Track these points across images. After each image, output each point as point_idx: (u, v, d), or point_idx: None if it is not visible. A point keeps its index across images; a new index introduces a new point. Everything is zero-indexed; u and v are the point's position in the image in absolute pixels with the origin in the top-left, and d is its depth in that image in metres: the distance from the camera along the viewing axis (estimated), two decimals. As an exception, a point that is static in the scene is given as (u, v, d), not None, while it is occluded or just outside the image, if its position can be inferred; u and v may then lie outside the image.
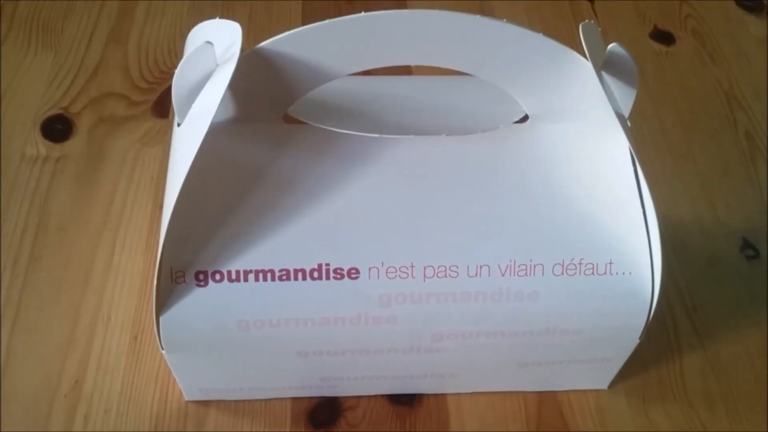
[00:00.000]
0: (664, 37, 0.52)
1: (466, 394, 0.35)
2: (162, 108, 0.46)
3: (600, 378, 0.35)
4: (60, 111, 0.45)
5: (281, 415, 0.34)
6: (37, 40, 0.49)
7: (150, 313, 0.37)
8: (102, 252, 0.39)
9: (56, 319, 0.37)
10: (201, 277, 0.27)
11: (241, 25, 0.27)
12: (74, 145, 0.44)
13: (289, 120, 0.29)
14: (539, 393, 0.35)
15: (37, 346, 0.36)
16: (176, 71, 0.26)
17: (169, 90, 0.46)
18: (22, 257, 0.39)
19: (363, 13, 0.25)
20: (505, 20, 0.26)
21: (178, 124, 0.28)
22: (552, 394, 0.35)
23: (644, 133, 0.46)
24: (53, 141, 0.44)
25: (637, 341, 0.31)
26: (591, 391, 0.36)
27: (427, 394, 0.35)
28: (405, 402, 0.35)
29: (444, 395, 0.35)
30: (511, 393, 0.35)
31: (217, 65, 0.27)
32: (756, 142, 0.46)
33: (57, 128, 0.44)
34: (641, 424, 0.35)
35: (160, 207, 0.41)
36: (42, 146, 0.43)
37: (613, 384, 0.36)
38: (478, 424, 0.34)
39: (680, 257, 0.41)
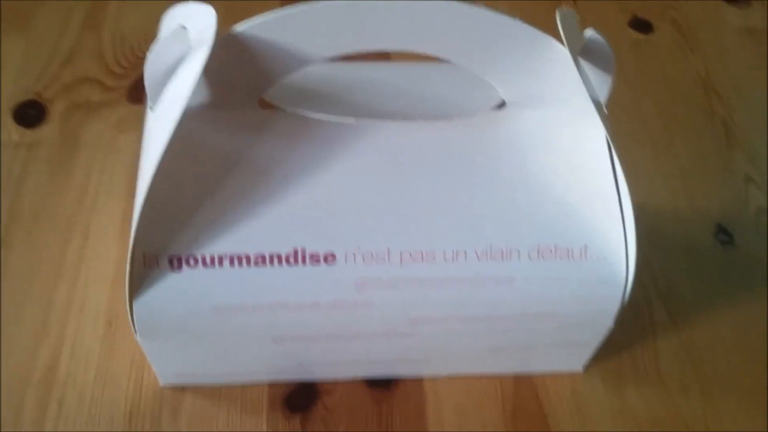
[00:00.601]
0: (642, 25, 0.52)
1: (442, 377, 0.35)
2: (137, 94, 0.45)
3: (575, 360, 0.35)
4: (33, 97, 0.44)
5: (258, 400, 0.34)
6: (9, 25, 0.48)
7: (124, 300, 0.36)
8: (75, 239, 0.39)
9: (29, 306, 0.36)
10: (175, 262, 0.27)
11: (217, 8, 0.27)
12: (47, 131, 0.43)
13: (265, 105, 0.29)
14: (515, 377, 0.36)
15: (9, 333, 0.35)
16: (149, 55, 0.26)
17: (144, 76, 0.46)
18: (-6, 244, 0.38)
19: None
20: (482, 6, 0.26)
21: (151, 109, 0.28)
22: (528, 378, 0.36)
23: (622, 121, 0.47)
24: (26, 127, 0.43)
25: (611, 325, 0.31)
26: (567, 374, 0.36)
27: (404, 378, 0.35)
28: (382, 386, 0.35)
29: (420, 379, 0.35)
30: (487, 376, 0.35)
31: (191, 49, 0.26)
32: (732, 132, 0.47)
33: (30, 114, 0.44)
34: (616, 407, 0.35)
35: (134, 194, 0.40)
36: (14, 132, 0.43)
37: (588, 368, 0.36)
38: (454, 407, 0.35)
39: (655, 243, 0.41)
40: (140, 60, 0.47)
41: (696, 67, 0.50)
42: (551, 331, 0.31)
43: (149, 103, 0.28)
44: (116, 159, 0.42)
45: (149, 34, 0.48)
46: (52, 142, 0.43)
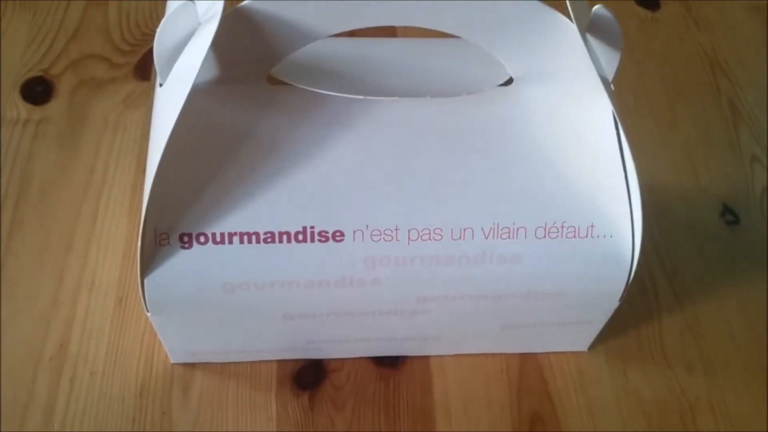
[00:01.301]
0: (649, 2, 0.52)
1: (448, 356, 0.36)
2: (144, 70, 0.45)
3: (580, 340, 0.35)
4: (40, 73, 0.44)
5: (267, 377, 0.34)
6: (14, 1, 0.48)
7: (134, 277, 0.37)
8: (85, 216, 0.39)
9: (40, 284, 0.37)
10: (185, 239, 0.27)
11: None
12: (55, 107, 0.43)
13: (273, 81, 0.29)
14: (521, 355, 0.36)
15: (21, 310, 0.36)
16: (157, 30, 0.26)
17: (150, 52, 0.45)
18: (5, 222, 0.38)
19: None
20: None
21: (161, 85, 0.28)
22: (533, 356, 0.36)
23: (628, 98, 0.46)
24: (34, 104, 0.43)
25: (617, 304, 0.31)
26: (571, 353, 0.36)
27: (411, 357, 0.36)
28: (389, 364, 0.35)
29: (427, 357, 0.36)
30: (493, 355, 0.36)
31: (199, 24, 0.26)
32: (739, 110, 0.46)
33: (37, 90, 0.44)
34: (620, 385, 0.36)
35: (144, 171, 0.40)
36: (23, 109, 0.43)
37: (593, 346, 0.36)
38: (460, 385, 0.35)
39: (661, 222, 0.41)
40: (146, 37, 0.47)
41: (702, 45, 0.50)
42: (557, 310, 0.32)
43: (158, 79, 0.28)
44: (124, 135, 0.42)
45: (154, 11, 0.48)
46: (59, 119, 0.43)
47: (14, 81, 0.44)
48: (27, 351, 0.34)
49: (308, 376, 0.35)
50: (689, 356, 0.37)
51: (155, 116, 0.29)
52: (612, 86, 0.28)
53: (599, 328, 0.34)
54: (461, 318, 0.31)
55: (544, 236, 0.28)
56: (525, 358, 0.36)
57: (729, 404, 0.35)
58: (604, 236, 0.29)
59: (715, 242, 0.41)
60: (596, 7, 0.27)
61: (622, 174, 0.29)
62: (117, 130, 0.42)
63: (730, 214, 0.42)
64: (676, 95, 0.47)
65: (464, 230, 0.28)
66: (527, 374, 0.36)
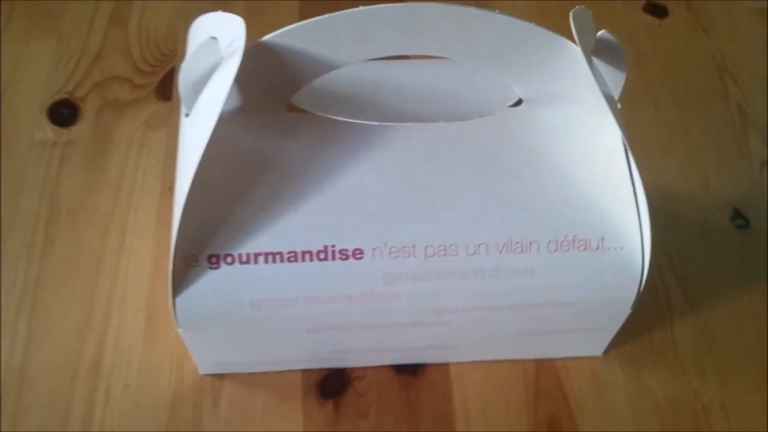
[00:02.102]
0: (657, 10, 0.53)
1: (467, 363, 0.37)
2: (165, 91, 0.47)
3: (595, 345, 0.37)
4: (65, 95, 0.46)
5: (293, 386, 0.36)
6: (38, 25, 0.49)
7: (163, 294, 0.38)
8: (113, 235, 0.40)
9: (73, 301, 0.38)
10: (213, 260, 0.29)
11: (236, 9, 0.28)
12: (81, 129, 0.45)
13: (292, 108, 0.31)
14: (537, 361, 0.37)
15: (56, 327, 0.37)
16: (182, 65, 0.28)
17: (171, 73, 0.47)
18: (37, 242, 0.40)
19: (361, 7, 0.26)
20: (497, 11, 0.27)
21: (186, 115, 0.29)
22: (549, 362, 0.37)
23: (637, 106, 0.47)
24: (60, 126, 0.45)
25: (629, 311, 0.33)
26: (587, 358, 0.37)
27: (431, 364, 0.37)
28: (409, 371, 0.37)
29: (446, 364, 0.37)
30: (510, 361, 0.37)
31: (222, 59, 0.28)
32: (748, 116, 0.47)
33: (63, 113, 0.45)
34: (635, 390, 0.37)
35: (169, 189, 0.42)
36: (50, 131, 0.44)
37: (607, 351, 0.37)
38: (479, 391, 0.36)
39: (672, 228, 0.42)
40: (166, 57, 0.48)
41: (711, 51, 0.50)
42: (571, 319, 0.33)
43: (184, 110, 0.29)
44: (148, 155, 0.44)
45: (174, 32, 0.50)
46: (86, 140, 0.44)
47: (41, 104, 0.45)
48: (63, 366, 0.36)
49: (332, 384, 0.36)
50: (702, 359, 0.38)
51: (182, 144, 0.30)
52: (619, 104, 0.29)
53: (613, 334, 0.35)
54: (478, 328, 0.33)
55: (556, 249, 0.30)
56: (541, 363, 0.37)
57: (741, 406, 0.36)
58: (615, 248, 0.30)
59: (725, 246, 0.42)
60: (601, 32, 0.28)
61: (631, 187, 0.30)
62: (141, 150, 0.44)
63: (740, 218, 0.43)
64: (684, 101, 0.48)
65: (479, 245, 0.29)
66: (544, 379, 0.37)
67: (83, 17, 0.50)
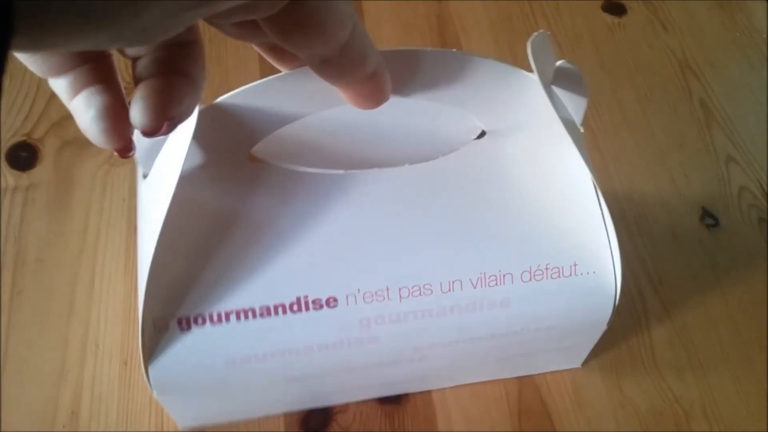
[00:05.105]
0: (615, 8, 0.53)
1: (449, 387, 0.37)
2: (125, 125, 0.46)
3: (574, 358, 0.37)
4: (23, 138, 0.45)
5: (275, 426, 0.35)
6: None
7: (137, 338, 0.38)
8: (82, 281, 0.40)
9: (45, 351, 0.37)
10: (183, 323, 0.28)
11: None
12: (41, 172, 0.44)
13: (253, 159, 0.30)
14: (519, 379, 0.37)
15: (30, 380, 0.36)
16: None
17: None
18: (5, 292, 0.39)
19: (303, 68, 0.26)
20: (454, 50, 0.26)
21: (144, 176, 0.29)
22: (531, 379, 0.37)
23: (602, 109, 0.47)
24: (20, 170, 0.44)
25: (605, 329, 0.33)
26: (567, 371, 0.38)
27: (413, 392, 0.37)
28: (392, 401, 0.36)
29: (429, 391, 0.37)
30: (492, 382, 0.37)
31: None
32: (711, 110, 0.48)
33: (22, 156, 0.44)
34: (616, 399, 0.37)
35: (134, 229, 0.41)
36: (9, 176, 0.43)
37: (586, 361, 0.38)
38: (463, 415, 0.36)
39: (644, 232, 0.42)
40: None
41: (671, 47, 0.51)
42: (549, 340, 0.33)
43: (142, 171, 0.29)
44: (112, 194, 0.43)
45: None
46: (47, 183, 0.43)
47: (-1, 148, 0.44)
48: (41, 419, 0.35)
49: (315, 421, 0.36)
50: (680, 363, 0.38)
51: (142, 206, 0.29)
52: (582, 129, 0.29)
53: (590, 348, 0.36)
54: (458, 358, 0.33)
55: (530, 279, 0.30)
56: (523, 382, 0.37)
57: (722, 408, 0.37)
58: (588, 273, 0.30)
59: (697, 247, 0.42)
60: (559, 62, 0.28)
61: (599, 210, 0.30)
62: (105, 189, 0.43)
63: (709, 218, 0.43)
64: (648, 100, 0.48)
65: (453, 282, 0.29)
66: (526, 397, 0.37)
67: (35, 52, 0.49)
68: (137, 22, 0.16)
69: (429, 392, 0.37)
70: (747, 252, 0.42)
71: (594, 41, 0.51)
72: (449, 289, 0.29)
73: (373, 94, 0.24)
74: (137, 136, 0.27)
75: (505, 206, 0.30)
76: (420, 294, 0.29)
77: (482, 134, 0.31)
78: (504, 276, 0.29)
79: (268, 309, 0.28)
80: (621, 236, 0.42)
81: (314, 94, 0.26)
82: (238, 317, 0.28)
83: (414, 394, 0.37)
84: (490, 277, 0.29)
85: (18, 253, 0.41)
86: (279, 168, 0.30)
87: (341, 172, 0.29)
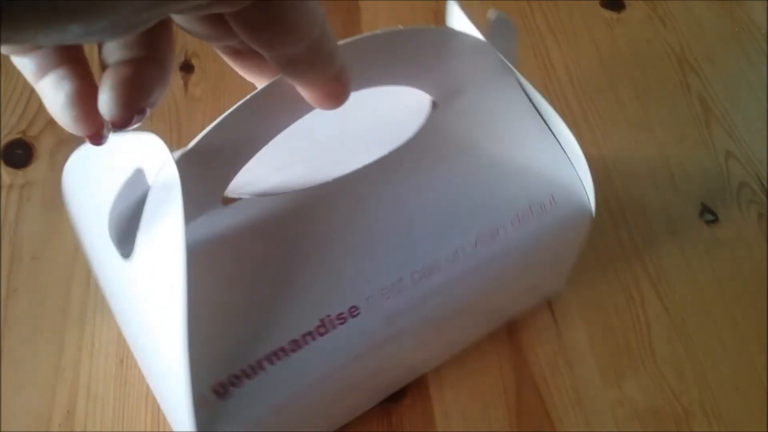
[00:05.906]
0: (614, 4, 0.52)
1: (447, 384, 0.37)
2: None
3: (556, 281, 0.39)
4: (18, 135, 0.45)
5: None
6: (-15, 61, 0.48)
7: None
8: (78, 278, 0.40)
9: (41, 350, 0.37)
10: (220, 389, 0.26)
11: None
12: (37, 169, 0.43)
13: (227, 201, 0.28)
14: (517, 376, 0.37)
15: (26, 378, 0.36)
16: (110, 208, 0.26)
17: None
18: (1, 291, 0.39)
19: (255, 91, 0.25)
20: (380, 29, 0.26)
21: (126, 257, 0.27)
22: (529, 377, 0.37)
23: (600, 104, 0.47)
24: (15, 167, 0.44)
25: (592, 217, 0.34)
26: (566, 369, 0.37)
27: (411, 390, 0.36)
28: (390, 399, 0.36)
29: (426, 388, 0.37)
30: (490, 377, 0.37)
31: (150, 187, 0.25)
32: (709, 106, 0.47)
33: (18, 154, 0.44)
34: (615, 397, 0.37)
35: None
36: (5, 174, 0.43)
37: (586, 360, 0.37)
38: (461, 412, 0.36)
39: (642, 229, 0.42)
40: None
41: (669, 43, 0.50)
42: (540, 262, 0.35)
43: (119, 251, 0.27)
44: (108, 192, 0.43)
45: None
46: (43, 181, 0.43)
47: (-6, 146, 0.44)
48: (37, 418, 0.35)
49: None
50: (679, 361, 0.38)
51: (126, 290, 0.27)
52: (517, 72, 0.31)
53: (572, 265, 0.37)
54: (465, 319, 0.34)
55: (520, 223, 0.31)
56: (521, 378, 0.37)
57: (721, 406, 0.36)
58: (565, 197, 0.32)
59: (696, 243, 0.42)
60: (489, 11, 0.29)
61: (554, 140, 0.33)
62: (101, 187, 0.43)
63: (709, 213, 0.43)
64: (646, 96, 0.48)
65: (454, 252, 0.30)
66: (524, 395, 0.37)
67: (31, 50, 0.48)
68: (107, 18, 0.16)
69: (427, 390, 0.36)
70: (746, 248, 0.42)
71: (593, 37, 0.51)
72: (452, 259, 0.30)
73: (337, 93, 0.24)
74: (112, 218, 0.26)
75: (477, 166, 0.31)
76: (430, 273, 0.29)
77: (436, 106, 0.31)
78: (497, 229, 0.31)
79: (296, 342, 0.27)
80: (620, 232, 0.42)
81: (274, 115, 0.26)
82: (271, 361, 0.27)
83: (412, 391, 0.36)
84: (484, 235, 0.31)
85: (13, 251, 0.40)
86: (250, 201, 0.29)
87: (314, 186, 0.29)
